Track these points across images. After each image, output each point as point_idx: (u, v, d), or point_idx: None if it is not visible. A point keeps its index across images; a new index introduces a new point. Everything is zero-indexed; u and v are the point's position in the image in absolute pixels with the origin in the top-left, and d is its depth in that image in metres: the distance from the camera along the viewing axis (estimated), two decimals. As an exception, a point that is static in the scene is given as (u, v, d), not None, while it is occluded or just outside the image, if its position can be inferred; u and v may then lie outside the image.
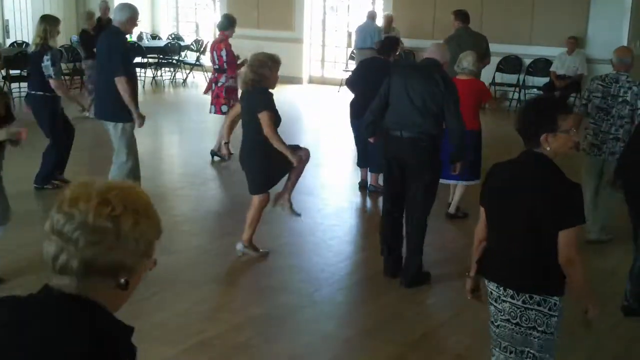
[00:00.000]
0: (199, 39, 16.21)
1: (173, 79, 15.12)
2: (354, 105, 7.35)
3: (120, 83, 6.09)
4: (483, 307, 4.78)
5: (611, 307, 4.65)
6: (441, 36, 13.04)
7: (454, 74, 6.64)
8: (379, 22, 13.02)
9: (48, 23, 6.99)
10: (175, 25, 17.29)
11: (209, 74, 15.32)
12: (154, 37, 16.44)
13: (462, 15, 8.54)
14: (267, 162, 5.36)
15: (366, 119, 5.30)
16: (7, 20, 14.78)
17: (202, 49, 15.68)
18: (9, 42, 14.49)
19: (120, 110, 6.21)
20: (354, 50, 12.51)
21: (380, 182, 7.43)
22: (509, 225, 2.92)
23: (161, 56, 14.94)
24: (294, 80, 14.34)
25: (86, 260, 1.49)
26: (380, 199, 7.25)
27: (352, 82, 7.55)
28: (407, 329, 4.53)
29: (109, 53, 6.20)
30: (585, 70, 11.84)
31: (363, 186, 7.53)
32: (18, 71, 12.07)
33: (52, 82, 6.80)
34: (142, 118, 6.31)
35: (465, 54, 6.58)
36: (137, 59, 13.15)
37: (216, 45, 8.94)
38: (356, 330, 4.47)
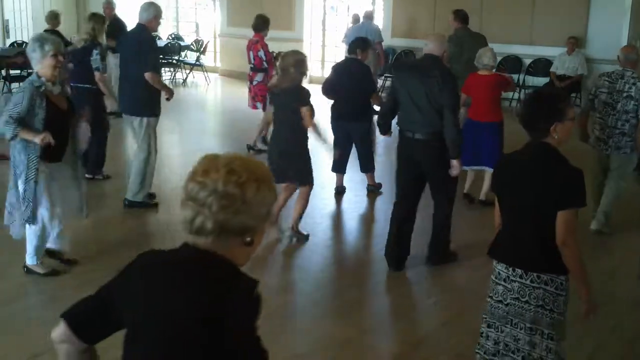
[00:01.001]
0: (199, 39, 16.22)
1: (173, 79, 15.12)
2: (335, 108, 7.22)
3: (151, 77, 6.38)
4: (484, 307, 4.79)
5: (612, 306, 4.65)
6: (441, 36, 13.12)
7: (473, 70, 6.75)
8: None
9: (96, 21, 7.36)
10: (175, 25, 17.30)
11: (209, 74, 15.39)
12: (154, 37, 16.46)
13: (461, 16, 8.49)
14: (308, 153, 5.84)
15: (378, 119, 5.58)
16: (7, 20, 14.79)
17: (202, 49, 15.69)
18: (9, 42, 14.49)
19: (145, 106, 6.48)
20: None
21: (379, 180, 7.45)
22: (518, 210, 3.11)
23: (161, 56, 14.92)
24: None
25: (219, 221, 1.75)
26: (381, 198, 7.28)
27: (329, 85, 7.26)
28: (407, 329, 4.53)
29: (138, 50, 6.43)
30: (585, 71, 11.83)
31: (339, 192, 7.36)
32: (18, 71, 12.07)
33: (97, 75, 7.08)
34: (171, 92, 6.74)
35: (485, 50, 6.85)
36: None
37: (252, 46, 9.22)
38: (356, 330, 4.47)
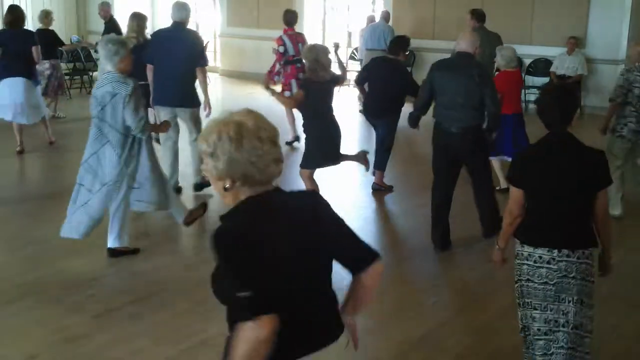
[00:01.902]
0: (199, 39, 16.18)
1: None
2: (369, 104, 7.46)
3: (204, 72, 7.02)
4: (483, 307, 4.79)
5: (612, 305, 4.65)
6: (441, 36, 13.09)
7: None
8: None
9: (140, 19, 7.77)
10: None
11: (209, 74, 15.33)
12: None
13: (478, 15, 8.76)
14: None
15: (412, 113, 5.92)
16: (7, 20, 14.75)
17: (202, 49, 15.65)
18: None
19: (196, 97, 7.08)
20: (364, 50, 12.03)
21: (385, 181, 7.46)
22: (558, 195, 3.31)
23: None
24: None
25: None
26: (384, 197, 7.30)
27: (363, 81, 7.63)
28: (407, 329, 4.52)
29: (191, 46, 6.97)
30: (585, 71, 11.83)
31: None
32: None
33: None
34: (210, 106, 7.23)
35: (508, 49, 7.22)
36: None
37: (299, 38, 9.66)
38: (356, 330, 4.46)
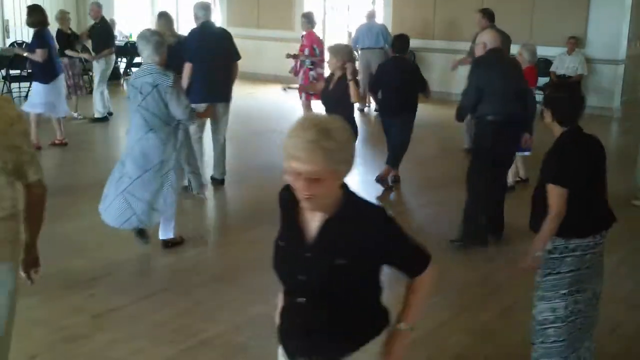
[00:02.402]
0: (199, 39, 16.19)
1: (173, 79, 15.08)
2: (385, 104, 7.50)
3: (237, 67, 7.51)
4: (483, 307, 4.79)
5: (611, 307, 4.65)
6: (441, 36, 13.11)
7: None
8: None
9: (168, 18, 8.09)
10: (176, 26, 17.30)
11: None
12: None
13: (488, 15, 8.90)
14: None
15: (464, 108, 5.98)
16: (7, 20, 14.79)
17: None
18: (9, 42, 14.49)
19: (231, 92, 7.51)
20: (359, 50, 11.86)
21: (387, 181, 7.46)
22: (596, 186, 3.55)
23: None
24: (294, 79, 14.33)
25: None
26: (385, 197, 7.28)
27: (376, 87, 7.68)
28: (407, 328, 4.52)
29: (228, 43, 7.43)
30: (585, 71, 11.84)
31: (396, 181, 7.70)
32: (18, 71, 12.06)
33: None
34: None
35: (531, 45, 7.66)
36: (138, 59, 13.17)
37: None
38: (356, 330, 4.46)
